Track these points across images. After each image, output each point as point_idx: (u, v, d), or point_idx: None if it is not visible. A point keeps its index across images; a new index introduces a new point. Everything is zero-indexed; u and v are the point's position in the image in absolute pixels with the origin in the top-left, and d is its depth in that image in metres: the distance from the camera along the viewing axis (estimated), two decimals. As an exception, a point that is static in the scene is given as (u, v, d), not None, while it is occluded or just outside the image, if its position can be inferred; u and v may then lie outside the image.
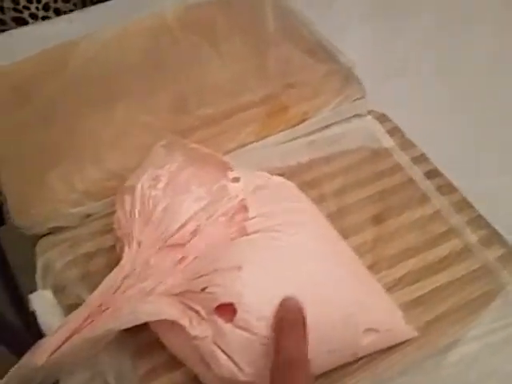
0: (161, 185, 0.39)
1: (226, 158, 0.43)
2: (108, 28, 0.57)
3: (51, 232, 0.43)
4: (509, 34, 0.61)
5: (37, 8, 0.73)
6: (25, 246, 0.44)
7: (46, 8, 0.74)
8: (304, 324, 0.32)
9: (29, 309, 0.38)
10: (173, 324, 0.34)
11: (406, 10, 0.64)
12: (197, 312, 0.34)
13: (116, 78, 0.53)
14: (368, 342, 0.36)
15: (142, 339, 0.37)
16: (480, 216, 0.44)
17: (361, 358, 0.37)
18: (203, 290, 0.34)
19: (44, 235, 0.43)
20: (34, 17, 0.74)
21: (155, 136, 0.46)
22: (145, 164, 0.42)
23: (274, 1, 0.59)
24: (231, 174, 0.40)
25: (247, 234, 0.36)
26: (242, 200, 0.39)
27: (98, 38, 0.56)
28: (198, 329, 0.33)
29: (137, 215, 0.37)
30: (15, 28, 0.71)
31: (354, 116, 0.51)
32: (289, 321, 0.32)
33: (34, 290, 0.40)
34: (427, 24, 0.63)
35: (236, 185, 0.40)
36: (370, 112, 0.51)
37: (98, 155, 0.47)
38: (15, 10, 0.73)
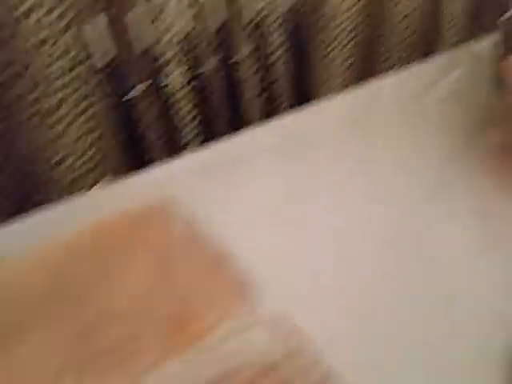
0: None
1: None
2: (19, 252, 0.60)
3: None
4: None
5: None
6: None
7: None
8: None
9: None
10: None
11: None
12: None
13: (23, 307, 0.54)
14: None
15: None
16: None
17: None
18: None
19: None
20: None
21: (60, 369, 0.48)
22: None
23: (180, 215, 0.65)
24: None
25: None
26: None
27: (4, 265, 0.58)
28: None
29: None
30: None
31: (251, 327, 0.55)
32: None
33: None
34: (326, 210, 0.67)
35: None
36: (267, 320, 0.55)
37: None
38: None
